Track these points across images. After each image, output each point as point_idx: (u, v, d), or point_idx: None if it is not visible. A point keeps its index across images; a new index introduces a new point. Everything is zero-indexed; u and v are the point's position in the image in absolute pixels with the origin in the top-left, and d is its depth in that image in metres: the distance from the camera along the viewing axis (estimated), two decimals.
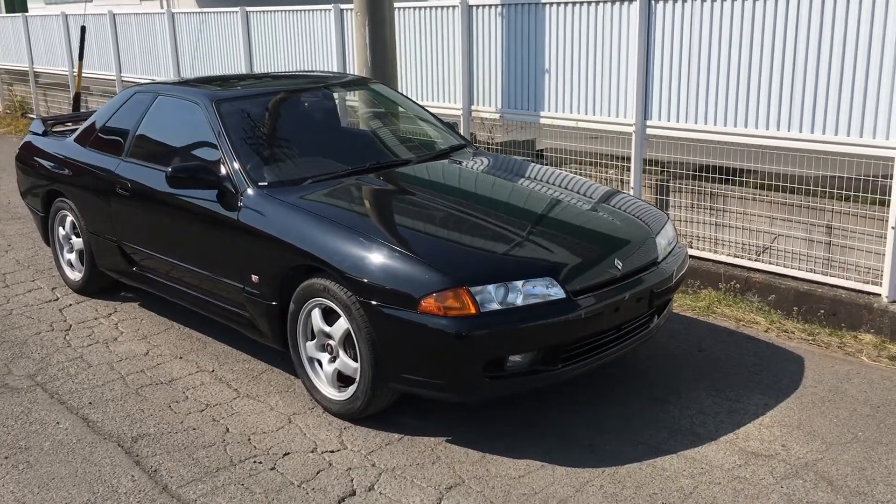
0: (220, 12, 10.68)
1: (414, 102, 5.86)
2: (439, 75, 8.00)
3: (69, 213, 5.83)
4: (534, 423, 4.00)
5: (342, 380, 4.10)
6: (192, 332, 5.24)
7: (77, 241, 5.86)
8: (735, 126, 6.08)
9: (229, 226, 4.42)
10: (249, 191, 4.41)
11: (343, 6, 8.99)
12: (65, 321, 5.52)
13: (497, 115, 7.69)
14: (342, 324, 3.94)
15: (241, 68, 10.43)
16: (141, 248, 5.16)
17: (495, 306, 3.58)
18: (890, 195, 5.33)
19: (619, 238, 4.14)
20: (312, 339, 4.19)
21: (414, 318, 3.62)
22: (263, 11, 10.02)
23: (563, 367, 3.77)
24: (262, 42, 10.09)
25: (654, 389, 4.31)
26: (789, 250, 5.90)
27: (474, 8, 7.64)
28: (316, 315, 4.08)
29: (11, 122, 14.44)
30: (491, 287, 3.60)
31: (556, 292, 3.68)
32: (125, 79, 12.44)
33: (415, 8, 7.90)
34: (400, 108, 5.62)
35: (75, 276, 6.00)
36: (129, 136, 5.32)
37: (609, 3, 6.68)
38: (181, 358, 4.88)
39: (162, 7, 14.03)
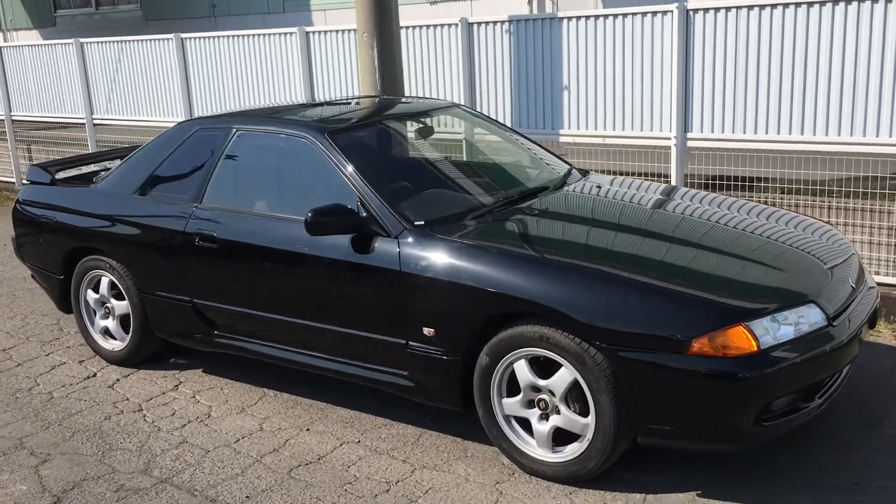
0: (148, 40, 9.76)
1: (500, 125, 5.43)
2: (440, 96, 7.58)
3: (107, 274, 5.00)
4: (771, 465, 3.67)
5: (555, 439, 3.63)
6: (293, 397, 4.59)
7: (119, 305, 5.03)
8: (790, 133, 6.05)
9: (385, 275, 3.85)
10: (408, 233, 3.86)
11: (308, 29, 8.41)
12: (128, 400, 4.70)
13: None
14: (565, 375, 3.49)
15: (177, 101, 9.55)
16: (232, 307, 4.46)
17: (770, 342, 3.24)
18: None
19: (833, 254, 3.90)
20: (510, 396, 3.69)
21: (681, 362, 3.22)
22: (204, 38, 9.23)
23: (820, 402, 3.47)
24: (204, 71, 9.27)
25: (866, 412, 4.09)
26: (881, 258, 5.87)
27: (475, 25, 7.30)
28: (522, 368, 3.60)
29: None
30: (765, 321, 3.26)
31: (820, 320, 3.39)
32: (15, 118, 11.19)
33: (414, 27, 7.46)
34: (494, 131, 5.18)
35: (114, 345, 5.16)
36: (201, 180, 4.60)
37: (640, 16, 6.51)
38: (308, 430, 4.23)
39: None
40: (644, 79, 6.52)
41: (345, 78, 8.22)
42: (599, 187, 4.56)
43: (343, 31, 8.14)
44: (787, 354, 3.24)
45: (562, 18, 6.82)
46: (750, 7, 5.99)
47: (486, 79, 7.31)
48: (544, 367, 3.59)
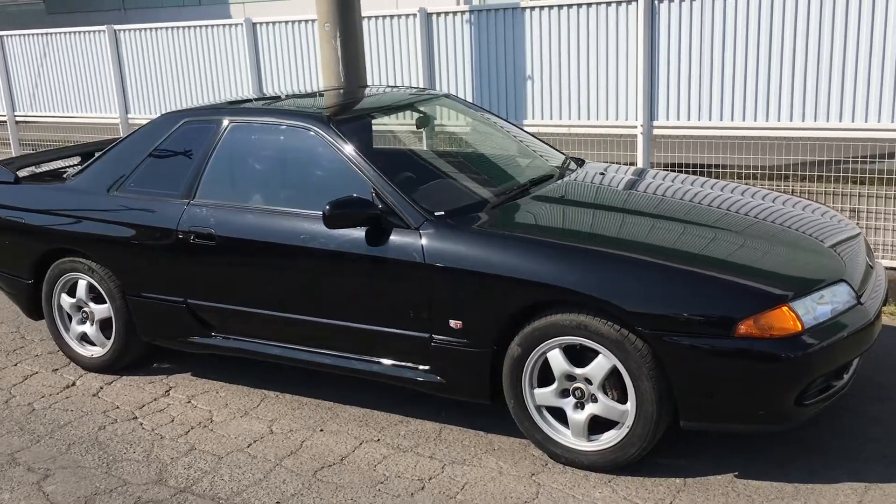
0: (78, 33, 9.31)
1: (491, 114, 5.37)
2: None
3: (85, 276, 4.73)
4: (801, 444, 3.74)
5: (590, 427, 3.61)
6: (297, 397, 4.44)
7: (99, 309, 4.77)
8: (755, 120, 6.20)
9: (406, 268, 3.76)
10: (429, 224, 3.77)
11: (256, 19, 8.17)
12: (118, 408, 4.47)
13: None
14: (603, 362, 3.47)
15: (111, 96, 9.16)
16: (233, 306, 4.28)
17: (812, 321, 3.30)
18: None
19: (845, 234, 3.99)
20: (542, 386, 3.65)
21: (728, 344, 3.25)
22: (140, 29, 8.87)
23: (847, 379, 3.56)
24: (140, 65, 8.90)
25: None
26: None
27: (434, 16, 7.23)
28: (557, 357, 3.56)
29: None
30: (806, 301, 3.32)
31: (851, 299, 3.47)
32: None
33: (372, 17, 7.33)
34: (486, 121, 5.11)
35: (93, 351, 4.89)
36: (192, 175, 4.39)
37: (605, 6, 6.56)
38: (322, 430, 4.10)
39: None
40: (609, 68, 6.58)
41: (295, 70, 8.03)
42: (603, 174, 4.56)
43: (292, 21, 7.96)
44: (827, 333, 3.29)
45: (524, 8, 6.81)
46: None
47: (446, 69, 7.25)
48: (576, 356, 3.56)
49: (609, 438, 3.55)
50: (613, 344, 3.40)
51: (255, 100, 4.93)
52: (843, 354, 3.38)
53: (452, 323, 3.71)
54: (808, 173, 6.17)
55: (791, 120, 6.05)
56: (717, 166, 6.38)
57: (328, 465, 3.80)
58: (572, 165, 4.67)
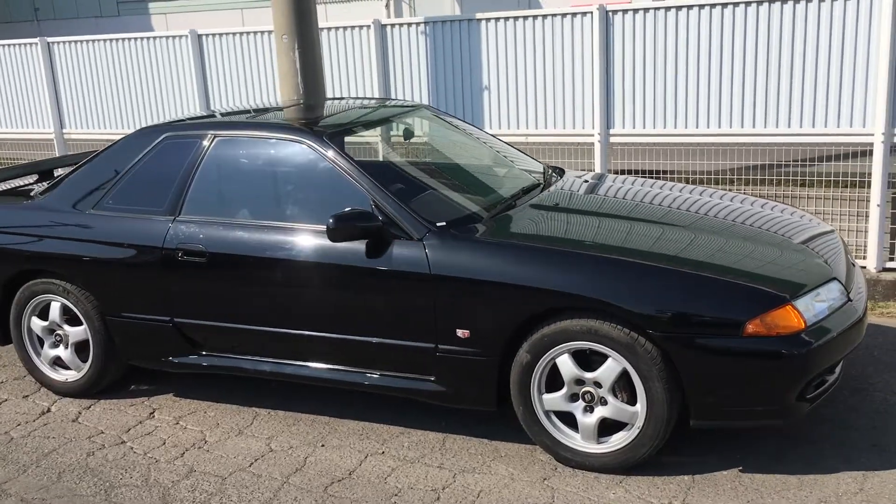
0: (8, 45, 8.99)
1: (468, 124, 5.41)
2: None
3: (59, 298, 4.58)
4: (792, 433, 3.89)
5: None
6: (291, 414, 4.39)
7: (75, 332, 4.62)
8: (707, 127, 6.43)
9: (412, 279, 3.77)
10: (432, 235, 3.80)
11: (201, 31, 8.04)
12: (102, 433, 4.34)
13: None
14: (613, 366, 3.55)
15: (45, 111, 8.87)
16: (225, 324, 4.21)
17: (812, 319, 3.45)
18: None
19: (821, 233, 4.17)
20: (549, 392, 3.72)
21: (737, 343, 3.37)
22: (75, 42, 8.62)
23: (837, 374, 3.73)
24: (76, 78, 8.65)
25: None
26: None
27: (388, 27, 7.26)
28: (566, 362, 3.63)
29: None
30: (806, 299, 3.47)
31: (842, 296, 3.64)
32: None
33: (329, 29, 7.30)
34: (466, 132, 5.14)
35: (67, 376, 4.73)
36: (177, 191, 4.30)
37: (560, 17, 6.70)
38: (323, 445, 4.07)
39: None
40: (566, 78, 6.71)
41: (244, 83, 7.93)
42: (586, 182, 4.66)
43: (240, 33, 7.86)
44: (826, 330, 3.45)
45: (480, 20, 6.90)
46: (667, 8, 6.31)
47: (401, 80, 7.28)
48: (584, 360, 3.63)
49: (619, 440, 3.63)
50: (624, 347, 3.49)
51: (233, 113, 4.86)
52: (840, 349, 3.54)
53: (460, 332, 3.74)
54: (758, 177, 6.43)
55: (742, 126, 6.28)
56: (671, 172, 6.58)
57: (337, 480, 3.77)
58: (555, 174, 4.75)
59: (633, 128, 6.61)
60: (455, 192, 4.28)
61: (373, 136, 4.52)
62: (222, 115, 4.75)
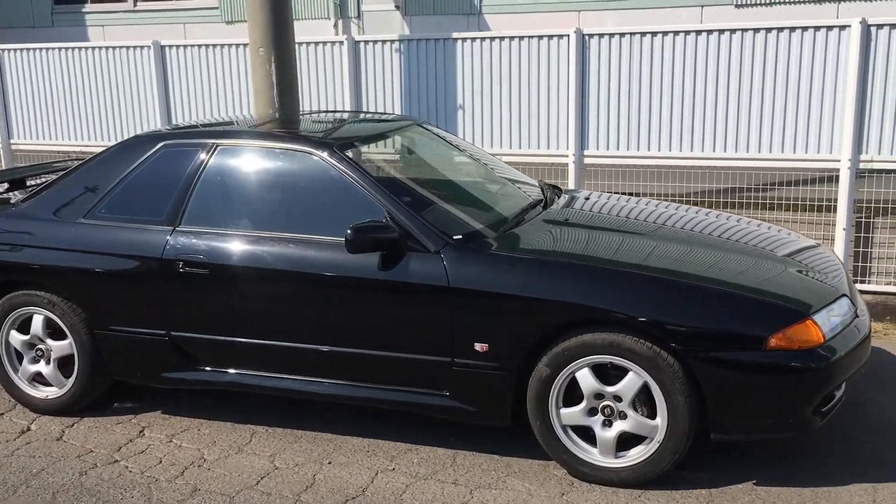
0: None
1: (463, 141, 5.40)
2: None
3: (42, 311, 4.39)
4: (798, 447, 3.97)
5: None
6: (291, 431, 4.28)
7: (58, 346, 4.42)
8: (680, 150, 6.58)
9: (429, 292, 3.73)
10: (450, 248, 3.77)
11: (165, 42, 7.88)
12: (92, 452, 4.15)
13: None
14: (634, 380, 3.57)
15: None
16: (228, 338, 4.09)
17: (829, 333, 3.54)
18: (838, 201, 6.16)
19: (819, 250, 4.29)
20: (567, 406, 3.71)
21: (760, 357, 3.43)
22: (26, 50, 8.35)
23: (843, 391, 3.82)
24: (27, 88, 8.36)
25: None
26: None
27: (362, 44, 7.24)
28: (586, 376, 3.64)
29: None
30: (823, 314, 3.55)
31: (852, 311, 3.74)
32: None
33: (302, 44, 7.23)
34: (461, 147, 5.12)
35: (47, 392, 4.52)
36: (177, 201, 4.17)
37: (537, 39, 6.79)
38: (330, 462, 3.98)
39: None
40: (541, 99, 6.80)
41: (208, 95, 7.78)
42: (587, 199, 4.70)
43: (205, 45, 7.73)
44: (841, 344, 3.54)
45: (456, 39, 6.94)
46: (643, 33, 6.45)
47: (374, 97, 7.26)
48: (601, 374, 3.64)
49: (638, 453, 3.64)
50: (646, 361, 3.51)
51: (223, 124, 4.76)
52: (853, 364, 3.64)
53: (478, 346, 3.71)
54: (728, 200, 6.59)
55: (714, 151, 6.45)
56: (644, 194, 6.69)
57: (351, 497, 3.68)
58: (554, 191, 4.78)
59: (607, 149, 6.72)
60: (463, 207, 4.25)
61: (376, 150, 4.46)
62: (211, 125, 4.64)
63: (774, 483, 3.69)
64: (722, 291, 3.55)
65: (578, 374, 3.64)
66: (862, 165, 6.10)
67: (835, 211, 6.23)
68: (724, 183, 6.55)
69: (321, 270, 3.88)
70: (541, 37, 6.74)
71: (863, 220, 6.26)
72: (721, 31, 6.29)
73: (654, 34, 6.44)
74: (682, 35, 6.39)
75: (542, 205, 4.45)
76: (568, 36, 6.60)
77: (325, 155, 4.02)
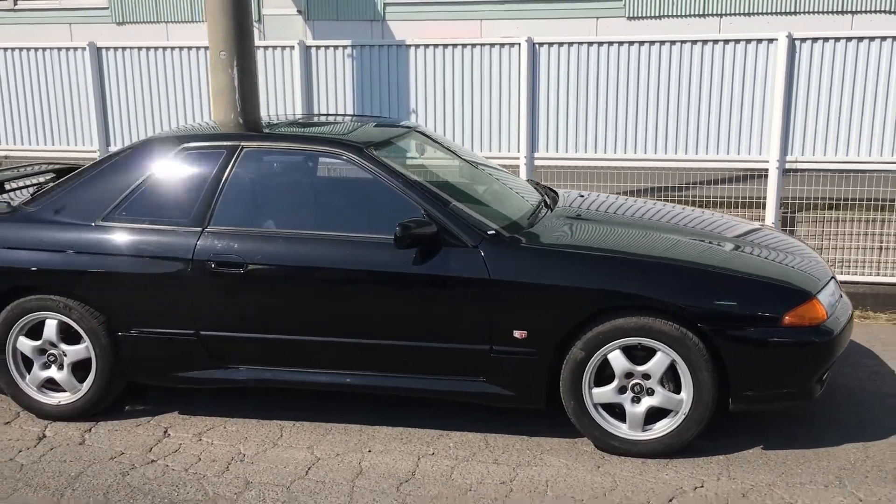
0: None
1: (457, 146, 5.63)
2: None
3: (57, 315, 4.34)
4: (792, 417, 4.43)
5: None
6: (321, 424, 4.40)
7: (73, 350, 4.38)
8: (624, 152, 7.06)
9: (470, 284, 3.98)
10: (487, 242, 4.03)
11: (101, 44, 7.73)
12: (123, 453, 4.15)
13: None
14: (663, 359, 3.93)
15: None
16: (265, 335, 4.19)
17: (830, 311, 4.01)
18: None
19: (792, 241, 4.80)
20: (598, 386, 4.04)
21: (777, 333, 3.86)
22: None
23: (831, 363, 4.31)
24: None
25: None
26: None
27: (314, 49, 7.36)
28: (618, 357, 3.97)
29: None
30: (823, 294, 4.02)
31: (839, 292, 4.24)
32: None
33: (257, 48, 7.26)
34: (455, 149, 5.35)
35: (60, 398, 4.46)
36: (205, 202, 4.23)
37: (489, 47, 7.12)
38: (370, 451, 4.15)
39: None
40: (493, 104, 7.12)
41: (148, 100, 7.68)
42: (582, 197, 5.05)
43: (146, 48, 7.63)
44: (838, 320, 4.02)
45: (409, 45, 7.17)
46: (590, 43, 6.88)
47: (326, 102, 7.38)
48: (630, 355, 3.98)
49: (664, 426, 4.00)
50: (675, 341, 3.88)
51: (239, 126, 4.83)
52: (846, 338, 4.13)
53: (517, 333, 3.97)
54: (667, 198, 7.10)
55: (655, 152, 6.93)
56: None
57: (404, 480, 3.87)
58: (550, 190, 5.10)
59: (556, 152, 7.10)
60: (483, 204, 4.50)
61: (393, 151, 4.64)
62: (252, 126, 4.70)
63: (777, 447, 4.12)
64: (741, 276, 3.96)
65: (611, 356, 3.96)
66: (788, 165, 6.72)
67: (764, 207, 6.83)
68: (664, 182, 7.06)
69: (357, 266, 4.05)
70: (493, 45, 7.06)
71: (788, 215, 6.89)
72: (662, 43, 6.79)
73: (600, 44, 6.87)
74: (626, 45, 6.85)
75: (545, 202, 4.75)
76: (519, 44, 6.94)
77: (354, 156, 4.18)
